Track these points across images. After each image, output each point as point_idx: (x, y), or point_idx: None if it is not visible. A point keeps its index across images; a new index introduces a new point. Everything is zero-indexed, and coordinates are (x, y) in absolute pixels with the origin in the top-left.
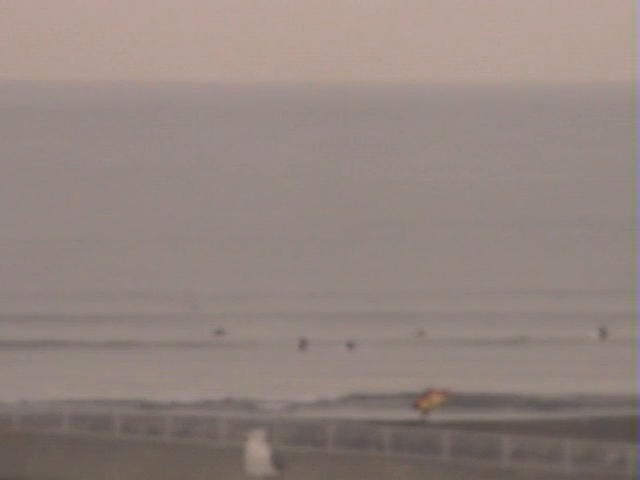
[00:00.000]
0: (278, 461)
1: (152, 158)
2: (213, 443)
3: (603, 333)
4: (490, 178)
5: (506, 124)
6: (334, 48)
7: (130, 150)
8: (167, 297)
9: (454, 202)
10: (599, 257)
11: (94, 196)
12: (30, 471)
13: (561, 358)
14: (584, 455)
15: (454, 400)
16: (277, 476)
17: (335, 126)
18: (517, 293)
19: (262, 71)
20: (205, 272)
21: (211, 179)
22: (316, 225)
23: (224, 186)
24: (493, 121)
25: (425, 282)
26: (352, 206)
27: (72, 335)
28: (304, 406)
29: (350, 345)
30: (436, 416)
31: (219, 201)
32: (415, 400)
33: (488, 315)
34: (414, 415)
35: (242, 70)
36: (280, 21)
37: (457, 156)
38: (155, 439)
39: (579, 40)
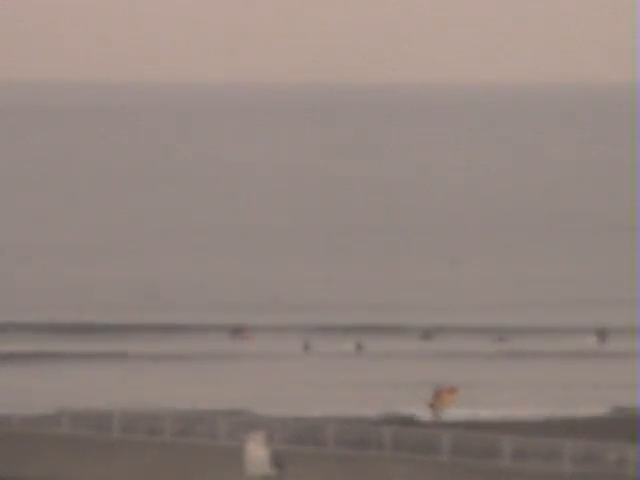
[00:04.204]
0: (278, 461)
1: (152, 158)
2: (213, 443)
3: (602, 337)
4: (488, 178)
5: (505, 124)
6: (333, 48)
7: (130, 150)
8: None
9: (452, 204)
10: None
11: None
12: (30, 471)
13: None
14: (584, 455)
15: None
16: (277, 476)
17: (335, 127)
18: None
19: (262, 71)
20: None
21: (213, 178)
22: (314, 227)
23: (223, 186)
24: (491, 122)
25: (424, 291)
26: (351, 208)
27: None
28: None
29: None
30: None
31: (218, 201)
32: (430, 402)
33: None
34: (428, 415)
35: (242, 70)
36: (280, 21)
37: (455, 157)
38: (155, 439)
39: (579, 40)
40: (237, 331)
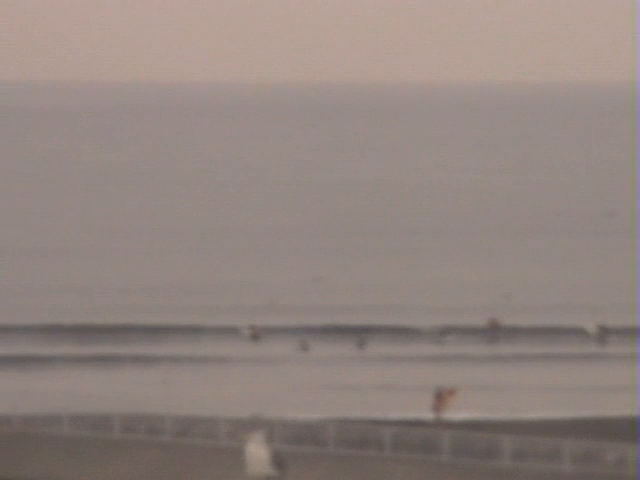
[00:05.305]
0: (278, 461)
1: (150, 159)
2: (213, 443)
3: (602, 338)
4: (488, 178)
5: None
6: (333, 48)
7: (130, 150)
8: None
9: (452, 204)
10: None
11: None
12: (30, 471)
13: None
14: (584, 455)
15: None
16: (277, 476)
17: (335, 127)
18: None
19: (262, 71)
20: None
21: (213, 178)
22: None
23: (224, 186)
24: (492, 122)
25: (424, 292)
26: (351, 208)
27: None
28: None
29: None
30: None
31: (218, 201)
32: (432, 404)
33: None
34: (430, 416)
35: (242, 70)
36: (280, 21)
37: (455, 157)
38: (155, 439)
39: (579, 40)
40: (252, 330)
